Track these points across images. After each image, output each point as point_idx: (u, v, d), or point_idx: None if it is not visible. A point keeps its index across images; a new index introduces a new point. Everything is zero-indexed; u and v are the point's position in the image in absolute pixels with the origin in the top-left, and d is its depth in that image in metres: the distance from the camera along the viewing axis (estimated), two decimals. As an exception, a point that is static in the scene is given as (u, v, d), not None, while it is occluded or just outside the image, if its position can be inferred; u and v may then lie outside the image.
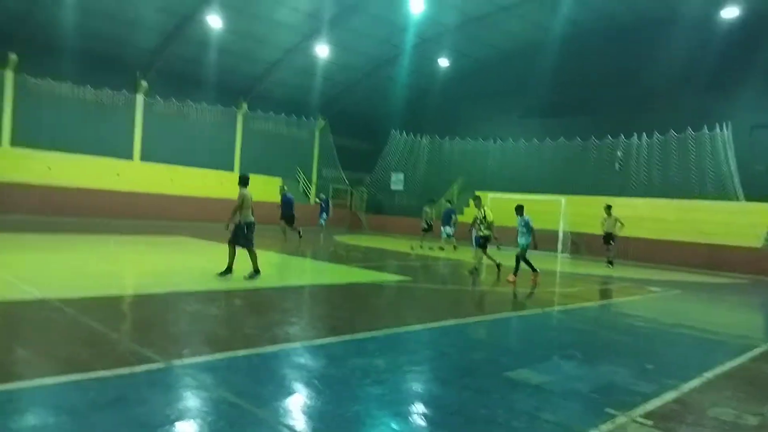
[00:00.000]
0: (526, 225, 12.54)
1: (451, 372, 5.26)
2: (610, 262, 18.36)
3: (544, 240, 22.87)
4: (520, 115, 29.92)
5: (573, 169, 26.37)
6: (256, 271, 9.80)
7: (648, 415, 4.30)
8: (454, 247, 20.80)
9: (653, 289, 13.54)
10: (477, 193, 22.06)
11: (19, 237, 14.82)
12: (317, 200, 23.95)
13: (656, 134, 24.06)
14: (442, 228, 20.91)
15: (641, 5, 24.51)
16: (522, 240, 12.51)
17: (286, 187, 19.30)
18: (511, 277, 12.21)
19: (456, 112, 32.48)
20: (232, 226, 9.72)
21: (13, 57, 23.48)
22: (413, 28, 27.72)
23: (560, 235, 22.23)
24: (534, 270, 12.34)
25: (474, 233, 18.79)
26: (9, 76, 23.76)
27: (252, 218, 9.85)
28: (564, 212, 22.26)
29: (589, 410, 4.41)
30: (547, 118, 28.31)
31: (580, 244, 22.98)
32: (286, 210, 18.31)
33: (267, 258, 14.89)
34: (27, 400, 3.82)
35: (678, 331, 8.29)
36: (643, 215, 22.14)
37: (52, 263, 10.54)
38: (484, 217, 13.04)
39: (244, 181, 9.98)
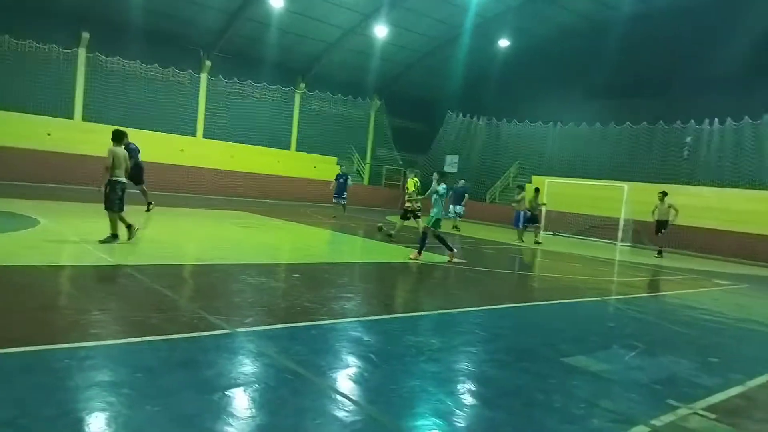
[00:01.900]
0: (438, 193, 11.13)
1: (507, 354, 5.24)
2: (659, 252, 17.91)
3: (604, 228, 22.50)
4: (584, 97, 28.88)
5: (638, 154, 25.38)
6: (114, 236, 9.01)
7: (711, 409, 4.17)
8: (456, 227, 19.97)
9: (720, 281, 12.96)
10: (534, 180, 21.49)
11: (90, 206, 15.65)
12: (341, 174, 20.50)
13: (729, 120, 22.76)
14: (451, 206, 20.31)
15: (718, -18, 23.09)
16: (435, 210, 11.06)
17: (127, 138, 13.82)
18: (413, 255, 10.91)
19: (515, 93, 31.74)
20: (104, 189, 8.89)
21: (85, 35, 24.60)
22: (474, 7, 27.12)
23: (621, 223, 21.50)
24: (450, 248, 11.10)
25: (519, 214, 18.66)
26: (81, 53, 24.92)
27: (122, 178, 9.03)
28: (626, 199, 21.48)
29: (649, 401, 4.31)
30: (612, 100, 27.21)
31: (642, 234, 22.18)
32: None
33: (319, 234, 15.19)
34: (104, 358, 4.07)
35: (746, 326, 7.93)
36: (711, 205, 21.12)
37: (121, 233, 11.09)
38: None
39: (116, 137, 9.01)
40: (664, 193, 17.91)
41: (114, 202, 8.97)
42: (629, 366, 5.16)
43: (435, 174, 11.65)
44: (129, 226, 9.28)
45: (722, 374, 5.16)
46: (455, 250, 11.39)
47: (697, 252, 20.36)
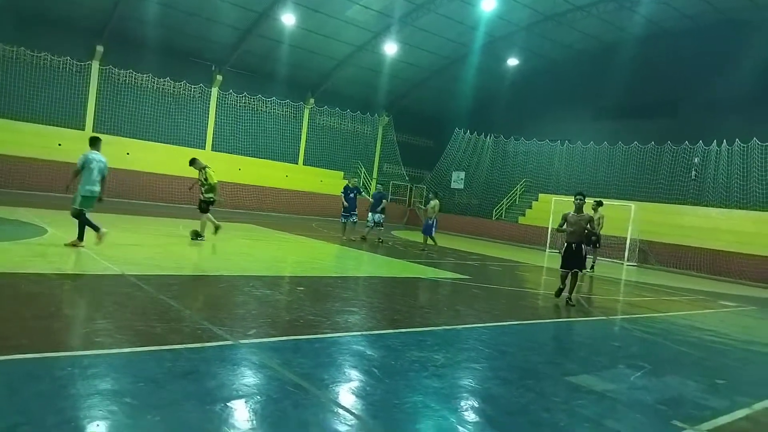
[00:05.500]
0: (86, 163, 9.51)
1: (511, 372, 5.21)
2: (592, 267, 16.21)
3: (610, 247, 22.39)
4: (592, 116, 29.03)
5: (646, 174, 25.39)
6: None
7: (717, 431, 4.12)
8: (380, 240, 17.91)
9: (727, 303, 12.84)
10: (533, 189, 21.26)
11: (97, 216, 15.75)
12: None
13: (737, 142, 22.74)
14: (370, 214, 17.91)
15: (726, 5, 23.19)
16: (89, 188, 9.63)
17: None
18: (76, 242, 9.52)
19: (523, 112, 31.89)
20: None
21: (99, 48, 24.98)
22: (484, 27, 27.41)
23: (628, 242, 21.41)
24: (96, 229, 9.52)
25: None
26: (95, 66, 25.30)
27: None
28: (633, 219, 21.42)
29: (655, 421, 4.26)
30: (620, 120, 27.33)
31: (648, 253, 22.07)
32: None
33: (324, 248, 15.20)
34: (107, 366, 4.07)
35: (752, 349, 7.84)
36: (719, 226, 21.05)
37: (129, 242, 11.17)
38: (206, 179, 12.93)
39: None
40: (599, 203, 16.05)
41: None
42: (635, 386, 5.10)
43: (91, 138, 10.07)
44: None
45: (728, 396, 5.10)
46: (103, 229, 9.61)
47: (704, 273, 20.21)
